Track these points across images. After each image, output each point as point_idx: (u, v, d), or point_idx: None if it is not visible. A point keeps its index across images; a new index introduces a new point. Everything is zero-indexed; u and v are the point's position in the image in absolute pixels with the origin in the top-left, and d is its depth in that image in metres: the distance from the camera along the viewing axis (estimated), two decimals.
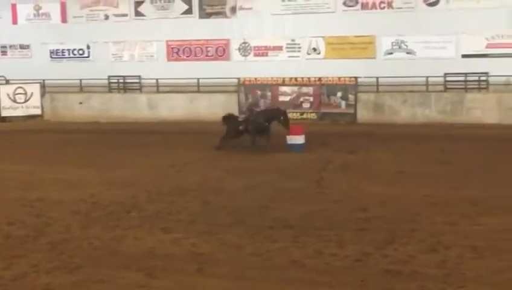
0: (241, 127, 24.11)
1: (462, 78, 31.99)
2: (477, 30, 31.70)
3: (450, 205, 15.04)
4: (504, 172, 19.16)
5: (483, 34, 31.92)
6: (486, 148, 23.79)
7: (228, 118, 24.97)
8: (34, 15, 38.46)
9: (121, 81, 36.88)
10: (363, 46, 33.44)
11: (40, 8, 38.33)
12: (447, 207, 14.86)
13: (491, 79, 31.65)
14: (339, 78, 33.13)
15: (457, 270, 10.64)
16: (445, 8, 32.45)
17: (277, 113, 24.29)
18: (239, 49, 35.41)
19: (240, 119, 24.69)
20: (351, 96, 32.98)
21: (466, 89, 31.94)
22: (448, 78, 32.11)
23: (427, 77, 31.70)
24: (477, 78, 31.91)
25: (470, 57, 32.19)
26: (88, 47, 37.75)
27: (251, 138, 23.98)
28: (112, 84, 36.94)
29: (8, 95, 36.67)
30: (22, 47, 38.66)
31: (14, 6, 38.63)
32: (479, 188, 16.91)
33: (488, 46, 32.02)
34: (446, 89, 32.20)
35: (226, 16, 35.62)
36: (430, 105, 31.72)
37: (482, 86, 31.90)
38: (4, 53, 39.03)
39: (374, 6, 33.52)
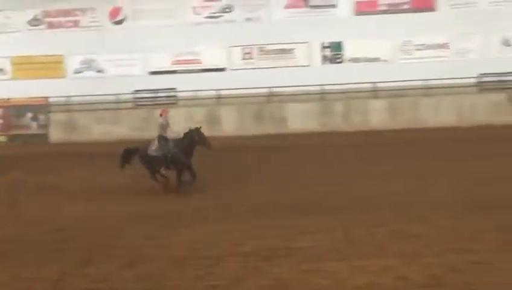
0: (162, 170, 19.55)
1: (151, 95, 32.65)
2: (163, 47, 32.59)
3: (149, 219, 15.24)
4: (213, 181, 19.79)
5: (169, 51, 32.88)
6: None
7: (129, 154, 20.34)
8: None
9: None
10: (52, 66, 32.97)
11: None
12: (147, 221, 15.04)
13: (179, 94, 32.64)
14: (29, 98, 32.32)
15: (158, 282, 10.77)
16: (132, 26, 32.99)
17: (192, 139, 19.72)
18: None
19: (151, 153, 19.67)
20: (42, 117, 32.30)
21: (155, 105, 32.61)
22: (137, 95, 32.61)
23: (117, 95, 31.94)
24: (165, 94, 32.75)
25: (157, 74, 32.97)
26: None
27: (177, 174, 19.56)
28: None
29: None
30: None
31: None
32: (180, 200, 17.35)
33: (174, 63, 33.04)
34: (136, 106, 32.68)
35: None
36: (122, 122, 32.00)
37: (171, 102, 32.78)
38: None
39: (60, 25, 33.15)
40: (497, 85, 32.60)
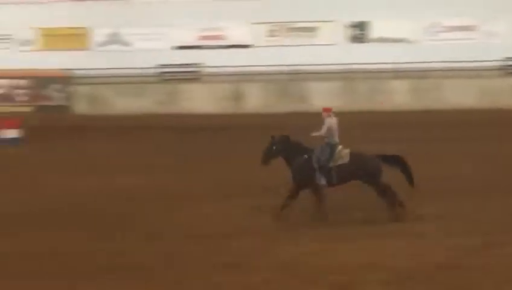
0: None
1: (176, 70, 32.75)
2: (190, 22, 32.62)
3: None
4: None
5: (196, 26, 32.92)
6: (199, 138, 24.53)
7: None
8: None
9: None
10: (77, 38, 33.14)
11: None
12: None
13: (204, 70, 32.70)
14: (53, 70, 32.55)
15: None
16: (160, 0, 33.05)
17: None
18: None
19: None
20: (66, 89, 32.53)
21: (181, 80, 32.76)
22: (163, 70, 32.71)
23: (143, 68, 32.06)
24: (191, 69, 32.83)
25: (183, 48, 33.04)
26: None
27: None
28: None
29: None
30: None
31: None
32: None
33: (200, 38, 33.10)
34: (161, 80, 32.79)
35: None
36: (146, 96, 32.13)
37: (196, 77, 32.88)
38: None
39: None
40: None
